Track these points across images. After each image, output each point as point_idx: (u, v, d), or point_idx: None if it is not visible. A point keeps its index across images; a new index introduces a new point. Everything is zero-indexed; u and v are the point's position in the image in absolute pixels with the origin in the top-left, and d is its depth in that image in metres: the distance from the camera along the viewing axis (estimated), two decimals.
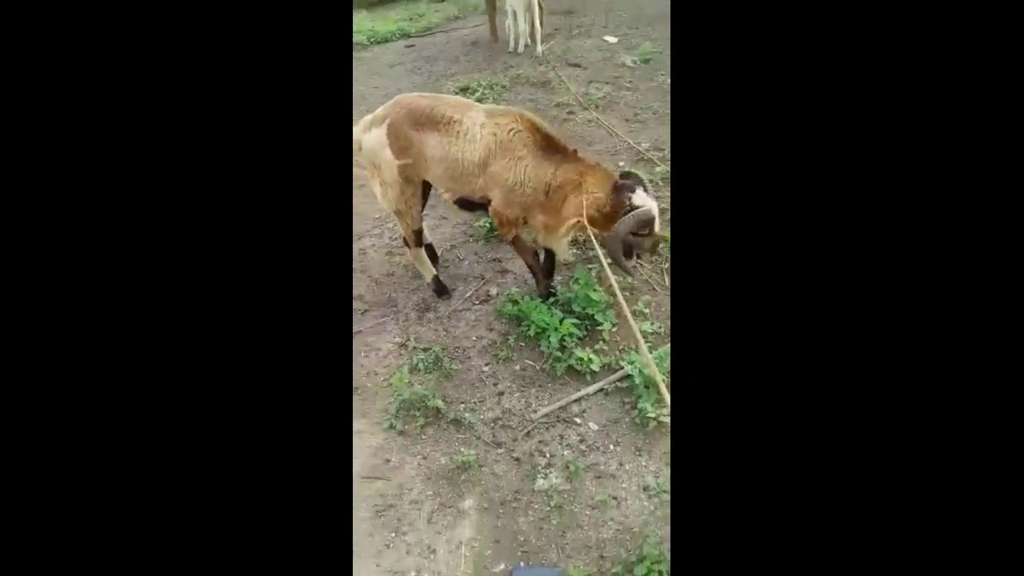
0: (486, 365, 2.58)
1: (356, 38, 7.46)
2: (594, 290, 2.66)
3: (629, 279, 2.77)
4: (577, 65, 5.42)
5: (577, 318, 2.57)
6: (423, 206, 2.78)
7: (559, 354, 2.46)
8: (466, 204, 2.60)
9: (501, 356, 2.58)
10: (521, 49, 6.02)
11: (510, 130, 2.33)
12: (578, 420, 2.26)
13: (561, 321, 2.52)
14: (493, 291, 2.97)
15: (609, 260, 2.26)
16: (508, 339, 2.66)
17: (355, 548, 1.93)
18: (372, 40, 7.53)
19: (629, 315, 1.46)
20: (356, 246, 3.49)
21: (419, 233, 2.81)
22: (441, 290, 2.97)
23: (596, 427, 2.22)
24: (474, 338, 2.74)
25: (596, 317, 2.59)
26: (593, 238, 2.23)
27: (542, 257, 2.73)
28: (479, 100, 4.91)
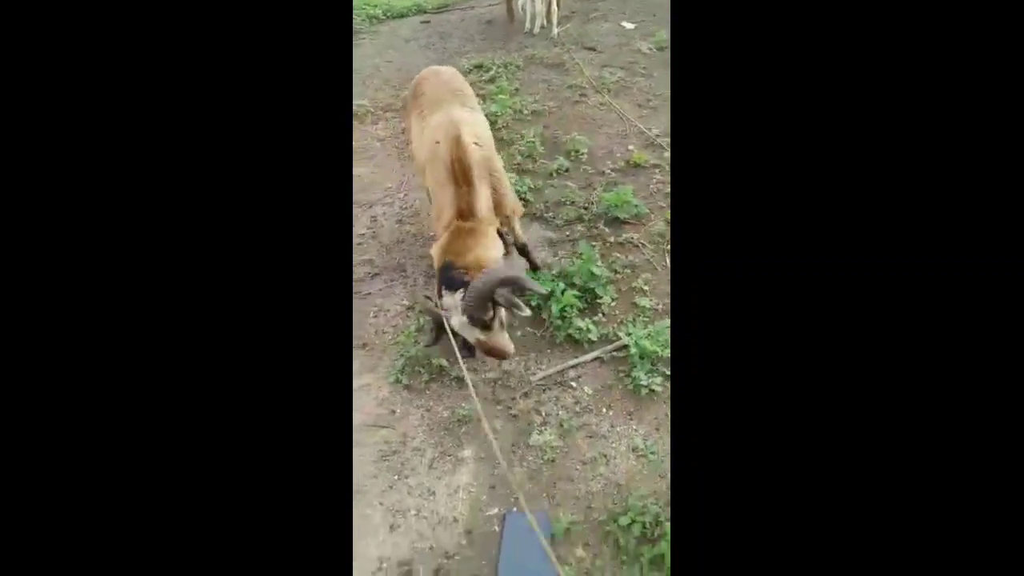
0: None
1: (372, 11, 7.47)
2: (596, 265, 2.77)
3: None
4: (592, 49, 5.47)
5: (579, 290, 2.69)
6: None
7: (559, 323, 2.58)
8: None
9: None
10: (537, 30, 6.06)
11: (433, 142, 2.35)
12: (574, 384, 2.40)
13: (563, 292, 2.64)
14: None
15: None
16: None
17: (359, 488, 2.08)
18: (388, 15, 7.54)
19: None
20: (368, 213, 3.59)
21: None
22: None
23: (591, 391, 2.36)
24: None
25: (597, 291, 2.71)
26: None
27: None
28: (492, 79, 4.98)
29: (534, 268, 2.88)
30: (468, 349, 2.38)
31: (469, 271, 2.13)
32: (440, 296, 2.16)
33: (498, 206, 2.41)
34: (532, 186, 3.56)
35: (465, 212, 2.26)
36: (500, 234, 2.51)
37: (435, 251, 2.30)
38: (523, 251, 2.81)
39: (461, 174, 2.25)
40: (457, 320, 2.07)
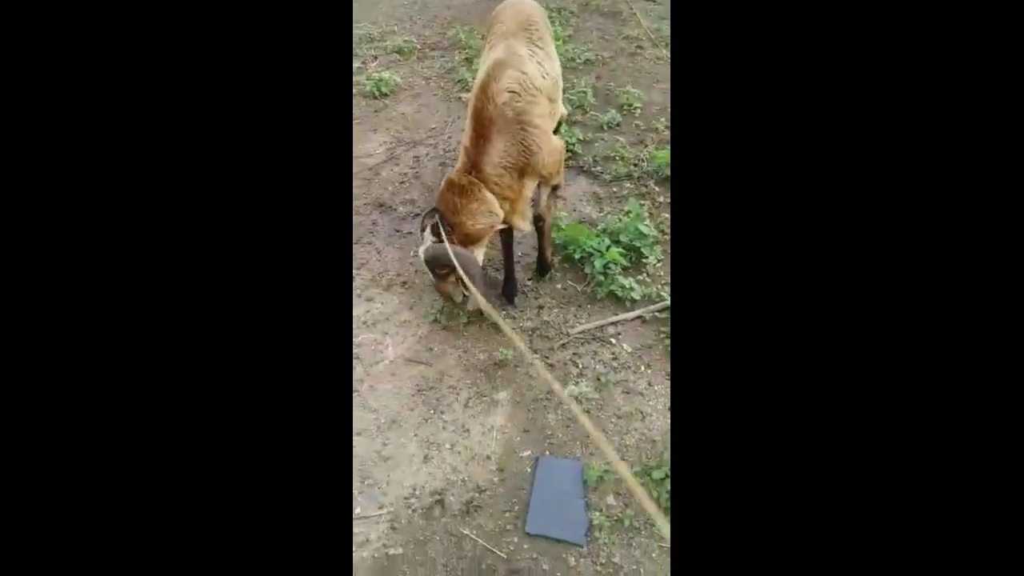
0: (528, 279, 2.69)
1: None
2: (644, 224, 2.71)
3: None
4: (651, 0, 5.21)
5: (624, 248, 2.65)
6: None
7: (602, 279, 2.55)
8: None
9: (544, 274, 2.69)
10: None
11: (477, 81, 2.31)
12: (613, 341, 2.39)
13: (608, 248, 2.60)
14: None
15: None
16: (552, 259, 2.75)
17: (396, 419, 2.13)
18: None
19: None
20: (411, 153, 3.55)
21: None
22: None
23: (630, 349, 2.35)
24: (520, 254, 2.83)
25: (643, 250, 2.66)
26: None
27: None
28: None
29: (541, 269, 2.65)
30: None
31: (452, 233, 2.21)
32: (421, 229, 2.29)
33: (526, 165, 2.25)
34: (582, 138, 3.46)
35: (468, 166, 2.20)
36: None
37: (441, 184, 2.30)
38: (539, 225, 2.51)
39: (478, 125, 2.18)
40: (421, 252, 2.27)
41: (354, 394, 2.21)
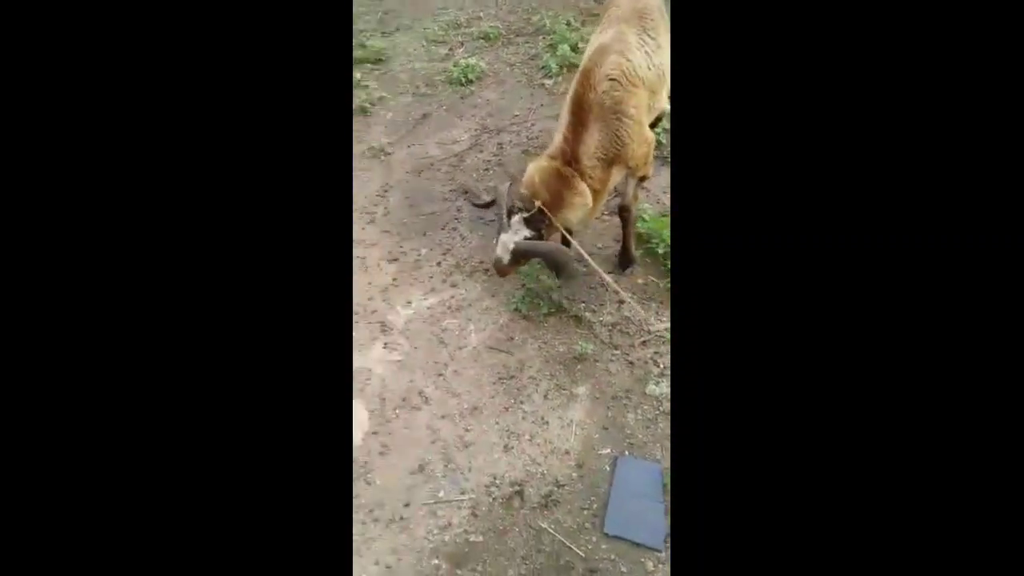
0: (609, 273, 2.64)
1: None
2: None
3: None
4: None
5: None
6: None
7: None
8: None
9: (626, 268, 2.63)
10: None
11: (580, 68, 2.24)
12: None
13: None
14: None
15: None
16: (635, 252, 2.68)
17: (478, 405, 2.17)
18: None
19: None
20: (495, 140, 3.55)
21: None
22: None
23: None
24: (599, 246, 2.79)
25: None
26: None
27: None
28: None
29: (623, 262, 2.60)
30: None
31: (551, 225, 2.21)
32: (508, 216, 2.23)
33: (616, 156, 2.22)
34: (668, 127, 3.33)
35: (567, 153, 2.18)
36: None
37: (529, 170, 2.26)
38: (624, 216, 2.50)
39: (578, 112, 2.16)
40: (506, 240, 2.21)
41: (439, 378, 2.27)
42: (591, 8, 4.80)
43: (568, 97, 2.24)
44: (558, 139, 2.25)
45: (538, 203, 2.18)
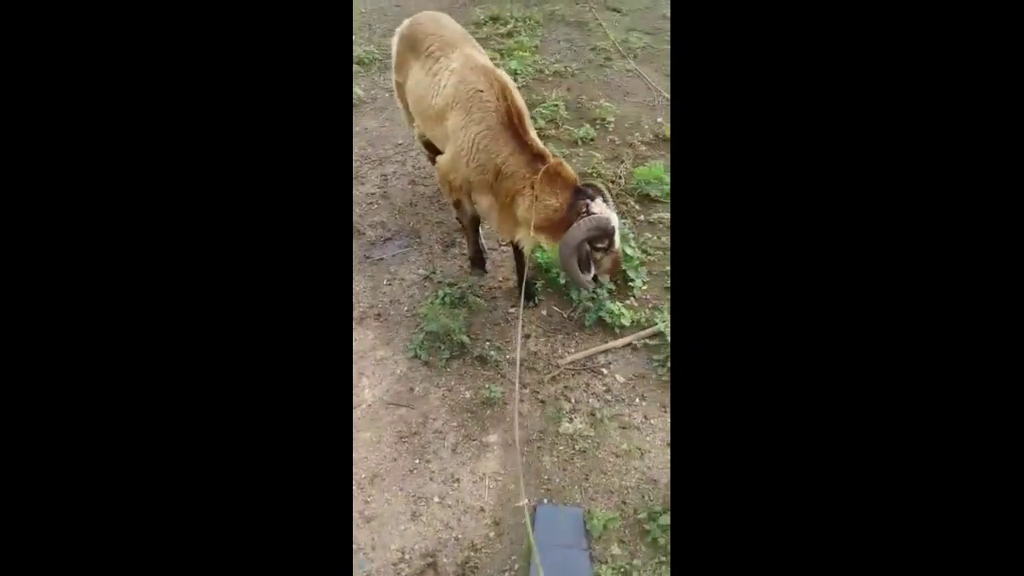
0: (512, 307, 2.55)
1: None
2: (628, 246, 2.62)
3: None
4: (616, 10, 5.17)
5: None
6: None
7: (589, 304, 2.44)
8: (431, 147, 2.56)
9: (528, 300, 2.55)
10: None
11: (473, 88, 2.09)
12: (604, 371, 2.27)
13: None
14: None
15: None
16: (535, 284, 2.62)
17: (378, 472, 1.95)
18: None
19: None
20: (378, 171, 3.36)
21: (428, 145, 2.67)
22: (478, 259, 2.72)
23: (623, 379, 2.24)
24: (500, 279, 2.70)
25: (628, 273, 2.57)
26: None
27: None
28: (509, 33, 4.67)
29: (528, 294, 2.49)
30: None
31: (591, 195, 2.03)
32: (593, 198, 2.03)
33: None
34: (556, 153, 3.34)
35: (540, 156, 2.07)
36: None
37: (543, 194, 2.04)
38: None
39: (520, 122, 2.08)
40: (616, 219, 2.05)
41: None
42: (469, 33, 4.77)
43: (498, 115, 2.06)
44: (514, 156, 2.07)
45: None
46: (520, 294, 2.35)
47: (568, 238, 1.98)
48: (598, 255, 2.09)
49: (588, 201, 1.99)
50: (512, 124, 2.06)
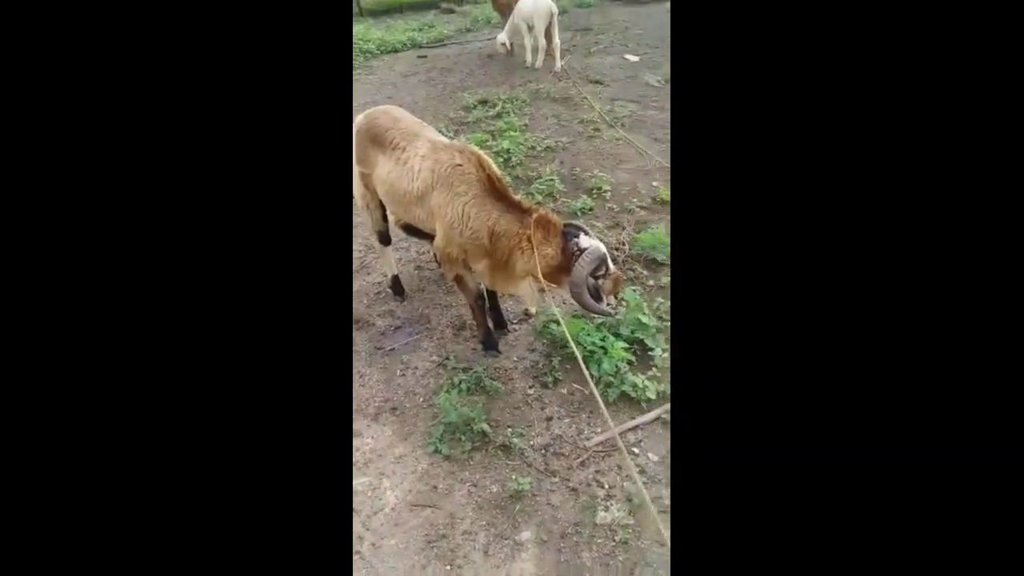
0: (530, 388, 2.48)
1: (366, 46, 7.40)
2: (643, 313, 2.58)
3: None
4: (599, 82, 5.42)
5: (626, 342, 2.49)
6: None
7: (612, 379, 2.37)
8: (412, 230, 2.65)
9: (546, 379, 2.49)
10: (539, 64, 6.01)
11: (450, 165, 2.23)
12: (636, 450, 2.17)
13: (612, 345, 2.44)
14: (532, 310, 2.88)
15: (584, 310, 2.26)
16: (552, 361, 2.56)
17: None
18: (382, 50, 7.47)
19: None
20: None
21: (382, 234, 2.88)
22: (397, 290, 3.02)
23: (656, 458, 2.13)
24: (515, 359, 2.64)
25: (647, 342, 2.51)
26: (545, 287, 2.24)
27: (487, 306, 2.67)
28: (499, 115, 4.87)
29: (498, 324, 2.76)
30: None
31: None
32: (581, 234, 2.20)
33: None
34: (540, 202, 3.38)
35: (526, 210, 2.21)
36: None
37: (540, 245, 2.18)
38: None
39: (501, 185, 2.24)
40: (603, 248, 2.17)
41: (356, 557, 1.89)
42: (460, 117, 4.97)
43: (480, 185, 2.22)
44: (503, 216, 2.21)
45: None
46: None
47: (575, 278, 2.12)
48: (600, 281, 2.21)
49: (577, 240, 2.15)
50: (495, 188, 2.22)
